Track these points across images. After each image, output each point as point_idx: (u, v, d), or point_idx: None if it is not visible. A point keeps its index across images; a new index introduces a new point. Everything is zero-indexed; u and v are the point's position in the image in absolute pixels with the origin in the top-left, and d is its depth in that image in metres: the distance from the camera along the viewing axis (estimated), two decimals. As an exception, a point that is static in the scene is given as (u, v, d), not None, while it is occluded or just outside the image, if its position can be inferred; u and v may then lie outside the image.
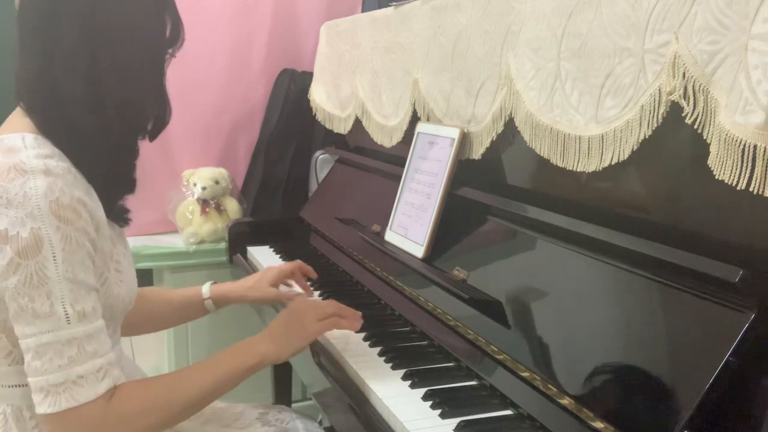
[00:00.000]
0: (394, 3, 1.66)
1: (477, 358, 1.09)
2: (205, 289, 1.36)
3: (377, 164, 1.76)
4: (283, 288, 1.45)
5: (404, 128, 1.61)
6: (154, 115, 1.01)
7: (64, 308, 0.86)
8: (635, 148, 0.92)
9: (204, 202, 2.15)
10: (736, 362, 0.74)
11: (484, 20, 1.27)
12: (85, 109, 0.91)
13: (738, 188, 0.73)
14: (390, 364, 1.13)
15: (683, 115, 0.82)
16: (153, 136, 1.03)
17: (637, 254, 0.91)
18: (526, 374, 0.98)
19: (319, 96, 2.11)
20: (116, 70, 0.93)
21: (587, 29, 1.00)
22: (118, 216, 1.03)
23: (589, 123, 1.00)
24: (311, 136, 2.29)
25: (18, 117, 0.94)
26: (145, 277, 2.16)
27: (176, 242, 2.15)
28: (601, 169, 0.99)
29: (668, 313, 0.85)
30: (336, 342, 1.22)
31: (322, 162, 2.18)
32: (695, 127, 0.81)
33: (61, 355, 0.86)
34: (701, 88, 0.80)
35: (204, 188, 2.13)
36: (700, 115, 0.80)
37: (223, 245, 2.05)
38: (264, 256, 1.83)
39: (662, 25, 0.87)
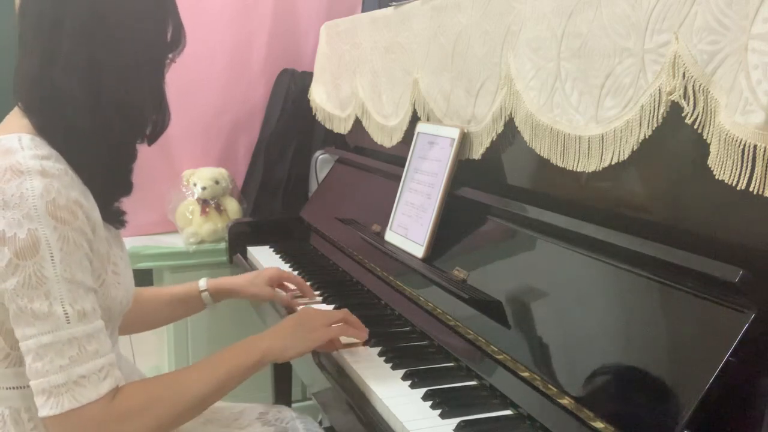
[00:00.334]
0: (394, 3, 1.66)
1: (477, 358, 1.09)
2: (202, 282, 1.37)
3: (377, 164, 1.76)
4: (280, 293, 1.45)
5: (404, 128, 1.61)
6: (152, 118, 1.01)
7: (63, 308, 0.86)
8: (635, 148, 0.92)
9: (204, 202, 2.15)
10: (736, 362, 0.74)
11: (484, 20, 1.27)
12: (83, 110, 0.91)
13: (738, 188, 0.73)
14: (390, 364, 1.13)
15: (683, 115, 0.82)
16: (151, 141, 1.03)
17: (637, 254, 0.91)
18: (526, 374, 0.98)
19: (319, 96, 2.11)
20: (116, 71, 0.93)
21: (587, 29, 1.00)
22: (114, 218, 1.03)
23: (589, 123, 1.00)
24: (311, 136, 2.28)
25: (15, 117, 0.94)
26: (145, 277, 2.16)
27: (176, 242, 2.15)
28: (601, 169, 0.99)
29: (668, 313, 0.85)
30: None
31: (322, 162, 2.18)
32: (695, 127, 0.81)
33: (62, 355, 0.86)
34: (701, 88, 0.80)
35: (204, 188, 2.13)
36: (700, 115, 0.80)
37: (223, 245, 2.05)
38: (264, 256, 1.83)
39: (662, 25, 0.87)
